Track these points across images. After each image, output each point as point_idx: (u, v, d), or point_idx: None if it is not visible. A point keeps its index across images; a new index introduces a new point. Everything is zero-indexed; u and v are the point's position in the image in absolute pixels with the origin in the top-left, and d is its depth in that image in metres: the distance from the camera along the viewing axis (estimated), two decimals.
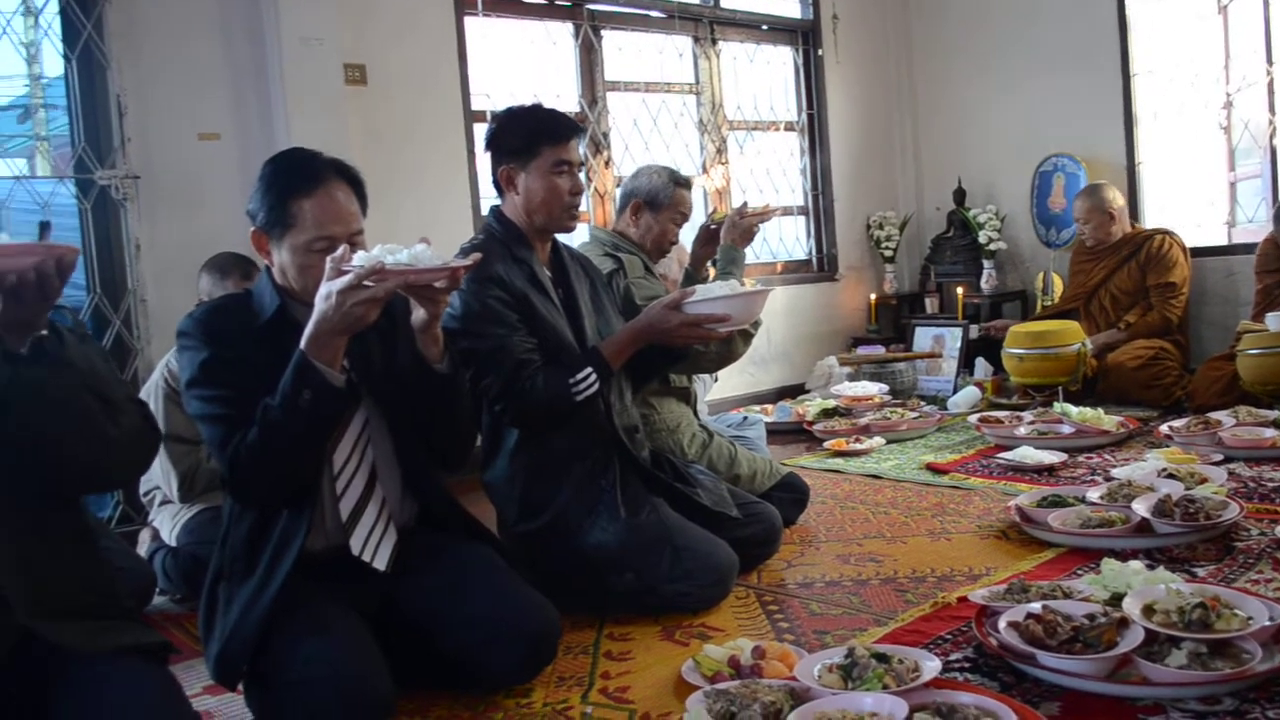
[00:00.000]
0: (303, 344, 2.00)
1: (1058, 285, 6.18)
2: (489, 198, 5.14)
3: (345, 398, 2.06)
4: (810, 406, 5.42)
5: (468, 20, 5.12)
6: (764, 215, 3.45)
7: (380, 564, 2.21)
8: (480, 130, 5.12)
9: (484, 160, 5.01)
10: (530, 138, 2.70)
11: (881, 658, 2.03)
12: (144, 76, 4.10)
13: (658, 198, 3.47)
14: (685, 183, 3.56)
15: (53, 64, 4.22)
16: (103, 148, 4.04)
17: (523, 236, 2.73)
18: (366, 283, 1.94)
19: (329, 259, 1.99)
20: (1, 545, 1.81)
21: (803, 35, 6.74)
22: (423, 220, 4.50)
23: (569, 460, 2.69)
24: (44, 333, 1.71)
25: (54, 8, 4.02)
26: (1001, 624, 2.20)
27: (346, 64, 4.48)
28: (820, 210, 6.85)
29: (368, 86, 4.61)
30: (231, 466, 2.09)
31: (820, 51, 6.70)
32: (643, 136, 5.96)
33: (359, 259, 1.96)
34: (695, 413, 3.59)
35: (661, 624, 2.60)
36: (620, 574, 2.62)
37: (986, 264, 6.59)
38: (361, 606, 2.18)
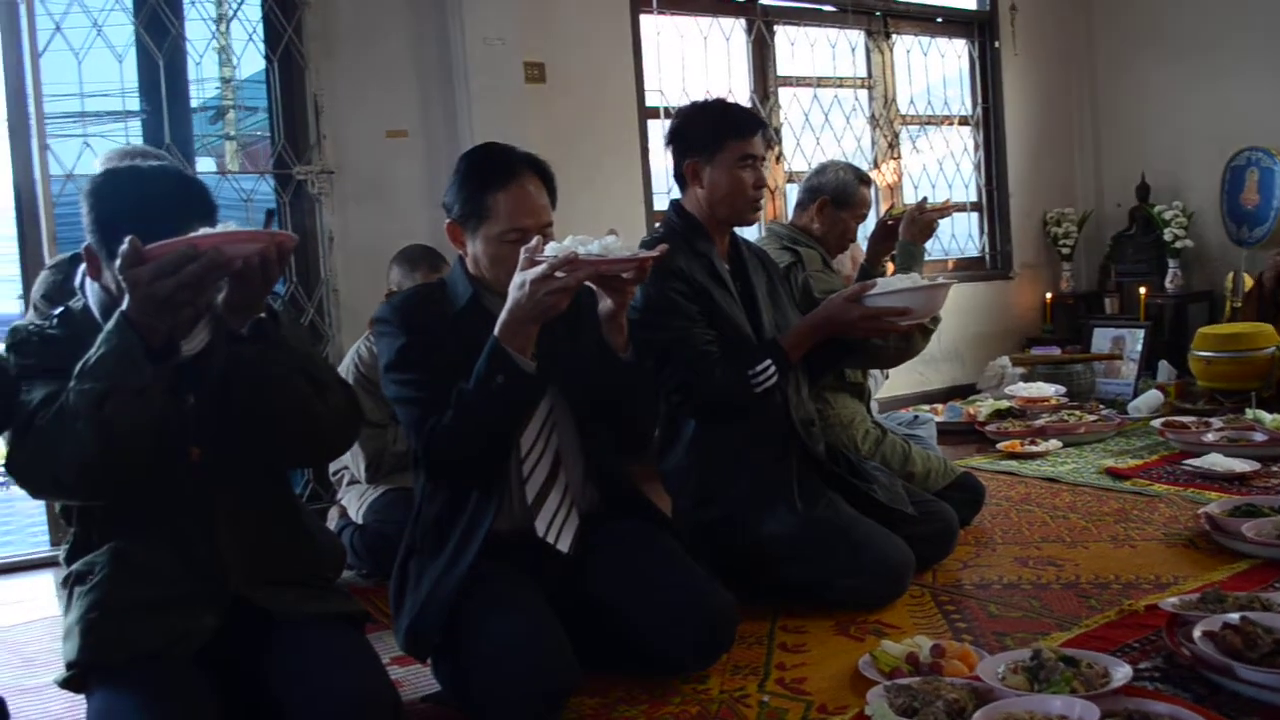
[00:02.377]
0: (496, 331, 2.07)
1: (1249, 286, 5.88)
2: (661, 193, 5.22)
3: (536, 383, 2.12)
4: (982, 407, 5.30)
5: (642, 18, 5.19)
6: (944, 211, 3.40)
7: (563, 546, 2.27)
8: (654, 127, 5.20)
9: (657, 156, 5.15)
10: (716, 131, 2.73)
11: (1069, 661, 1.98)
12: (338, 77, 4.32)
13: (844, 194, 3.47)
14: (867, 180, 3.56)
15: (243, 67, 4.48)
16: (300, 145, 4.26)
17: (703, 230, 2.76)
18: (558, 273, 1.99)
19: (523, 249, 2.05)
20: (219, 517, 1.95)
21: (979, 27, 6.59)
22: (597, 215, 4.59)
23: (746, 451, 2.71)
24: (263, 315, 1.83)
25: (257, 13, 4.26)
26: (1196, 634, 2.13)
27: (526, 62, 4.60)
28: (994, 206, 6.68)
29: (546, 84, 4.72)
30: (427, 447, 2.18)
31: (997, 43, 6.53)
32: (814, 132, 5.93)
33: (551, 249, 2.02)
34: (868, 409, 3.57)
35: (835, 618, 2.60)
36: (795, 567, 2.63)
37: (1171, 263, 6.32)
38: (545, 587, 2.24)
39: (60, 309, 1.95)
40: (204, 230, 1.66)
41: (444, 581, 2.17)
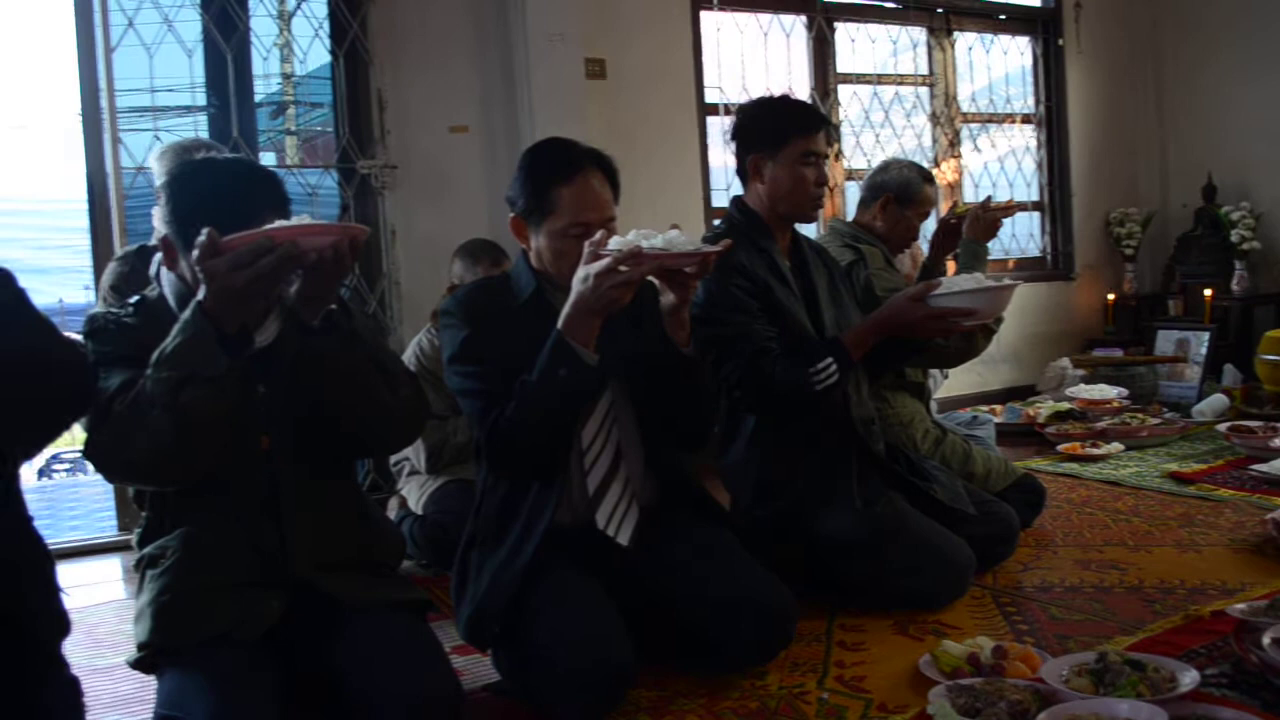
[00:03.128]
0: (560, 323, 2.09)
1: None
2: (719, 189, 5.23)
3: (598, 376, 2.13)
4: (1042, 408, 5.24)
5: (703, 14, 5.19)
6: (1008, 210, 3.37)
7: (623, 539, 2.28)
8: (713, 124, 5.20)
9: (715, 153, 5.15)
10: (780, 127, 2.73)
11: (1136, 665, 1.96)
12: (402, 72, 4.37)
13: (908, 192, 3.45)
14: (931, 178, 3.54)
15: (305, 62, 4.54)
16: (364, 139, 4.32)
17: (765, 226, 2.76)
18: (622, 266, 2.00)
19: (587, 243, 2.06)
20: (286, 504, 1.98)
21: (1042, 24, 6.51)
22: (655, 212, 4.60)
23: (806, 448, 2.70)
24: (334, 307, 1.85)
25: (323, 9, 4.32)
26: (1265, 640, 2.09)
27: (587, 59, 4.62)
28: (1056, 206, 6.60)
29: (607, 80, 4.74)
30: (490, 438, 2.20)
31: (1061, 40, 6.44)
32: (874, 129, 5.90)
33: (615, 243, 2.03)
34: (928, 409, 3.54)
35: (894, 617, 2.58)
36: (854, 565, 2.62)
37: (1238, 265, 6.20)
38: (605, 580, 2.25)
39: (137, 298, 1.99)
40: (279, 222, 1.69)
41: (505, 572, 2.19)
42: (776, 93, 2.98)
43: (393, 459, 3.62)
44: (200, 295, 1.71)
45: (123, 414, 1.74)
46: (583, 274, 2.05)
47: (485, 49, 4.55)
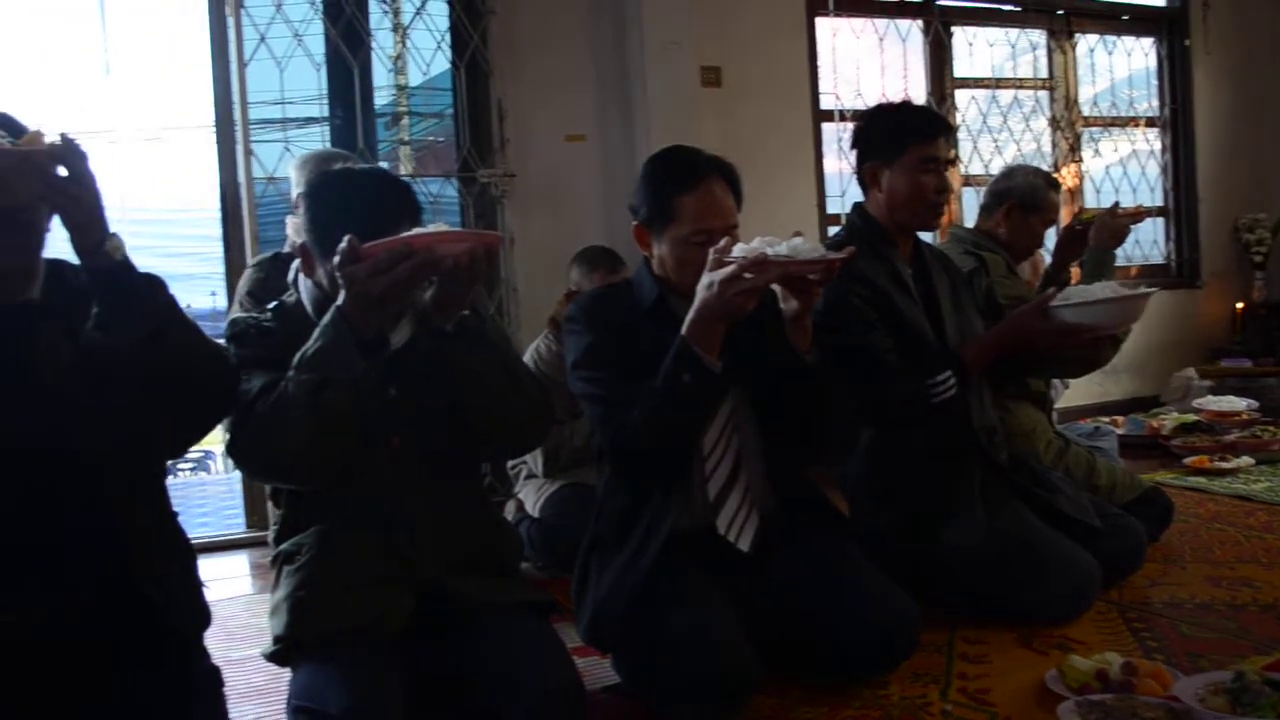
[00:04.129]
0: (684, 330, 2.10)
1: None
2: (834, 197, 5.20)
3: (722, 382, 2.14)
4: (1166, 420, 5.09)
5: (818, 20, 5.17)
6: (1137, 216, 3.29)
7: (744, 545, 2.28)
8: (828, 131, 5.17)
9: (831, 160, 5.12)
10: (897, 134, 2.70)
11: (1275, 685, 1.89)
12: (521, 82, 4.45)
13: (1033, 198, 3.38)
14: (1056, 184, 3.48)
15: (418, 73, 4.64)
16: (483, 148, 4.40)
17: (885, 234, 2.74)
18: (746, 274, 2.01)
19: (711, 250, 2.07)
20: (416, 504, 2.03)
21: (1167, 24, 6.33)
22: (770, 220, 4.55)
23: (927, 459, 2.67)
24: (466, 312, 1.90)
25: (444, 22, 4.42)
26: None
27: (703, 67, 4.64)
28: (1182, 211, 6.39)
29: (722, 88, 4.75)
30: (614, 442, 2.23)
31: (1187, 41, 6.25)
32: (992, 135, 5.80)
33: (739, 251, 2.04)
34: (1050, 419, 3.47)
35: (1017, 631, 2.53)
36: (976, 577, 2.58)
37: None
38: (726, 585, 2.26)
39: (275, 303, 2.07)
40: (417, 230, 1.75)
41: (626, 576, 2.21)
42: (893, 99, 2.95)
43: (510, 462, 3.68)
44: (339, 300, 1.77)
45: (265, 414, 1.81)
46: (707, 281, 2.06)
47: (602, 58, 4.61)
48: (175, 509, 1.96)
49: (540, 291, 4.19)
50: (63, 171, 1.58)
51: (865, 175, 2.77)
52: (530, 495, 3.53)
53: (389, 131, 4.99)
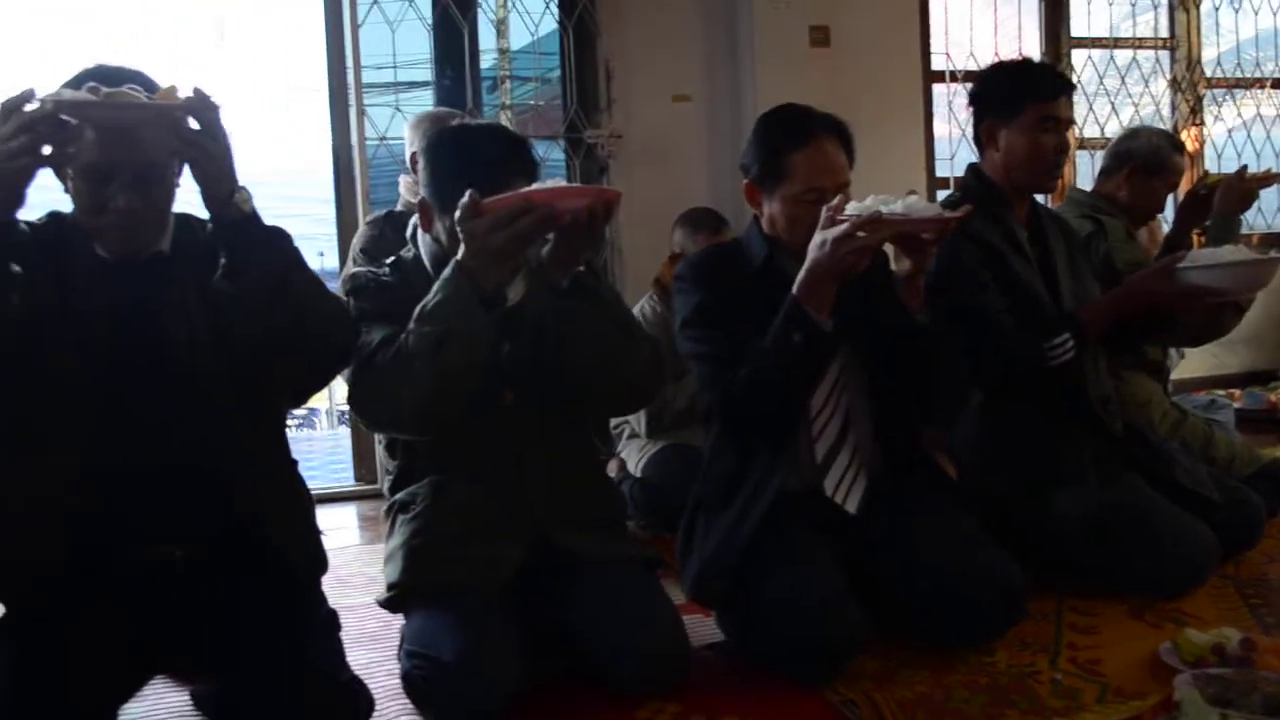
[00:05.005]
0: (795, 289, 2.09)
1: None
2: (943, 159, 5.10)
3: (833, 342, 2.13)
4: None
5: None
6: (1266, 180, 3.16)
7: (851, 507, 2.27)
8: (939, 92, 5.07)
9: (940, 122, 5.02)
10: (1016, 93, 2.63)
11: None
12: (627, 42, 4.45)
13: (1156, 161, 3.28)
14: (1181, 147, 3.37)
15: (518, 38, 4.67)
16: (589, 109, 4.42)
17: (1001, 195, 2.68)
18: (860, 232, 1.99)
19: (824, 208, 2.06)
20: (526, 458, 2.06)
21: None
22: (877, 181, 4.49)
23: (1039, 425, 2.61)
24: (581, 269, 1.92)
25: None
26: None
27: (811, 26, 4.57)
28: None
29: (831, 48, 4.67)
30: (723, 402, 2.23)
31: None
32: (1109, 97, 5.61)
33: (852, 209, 2.02)
34: (1165, 390, 3.37)
35: (1128, 603, 2.48)
36: (1088, 548, 2.52)
37: None
38: (832, 546, 2.25)
39: (393, 259, 2.11)
40: (536, 185, 1.76)
41: (733, 535, 2.21)
42: (1007, 59, 2.88)
43: (613, 421, 3.71)
44: (459, 255, 1.80)
45: (385, 367, 1.85)
46: (819, 239, 2.04)
47: (709, 18, 4.58)
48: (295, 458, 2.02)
49: (645, 253, 4.19)
50: (195, 125, 1.62)
51: (982, 134, 2.71)
52: (633, 455, 3.55)
53: (490, 95, 5.04)
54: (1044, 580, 2.55)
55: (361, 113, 4.02)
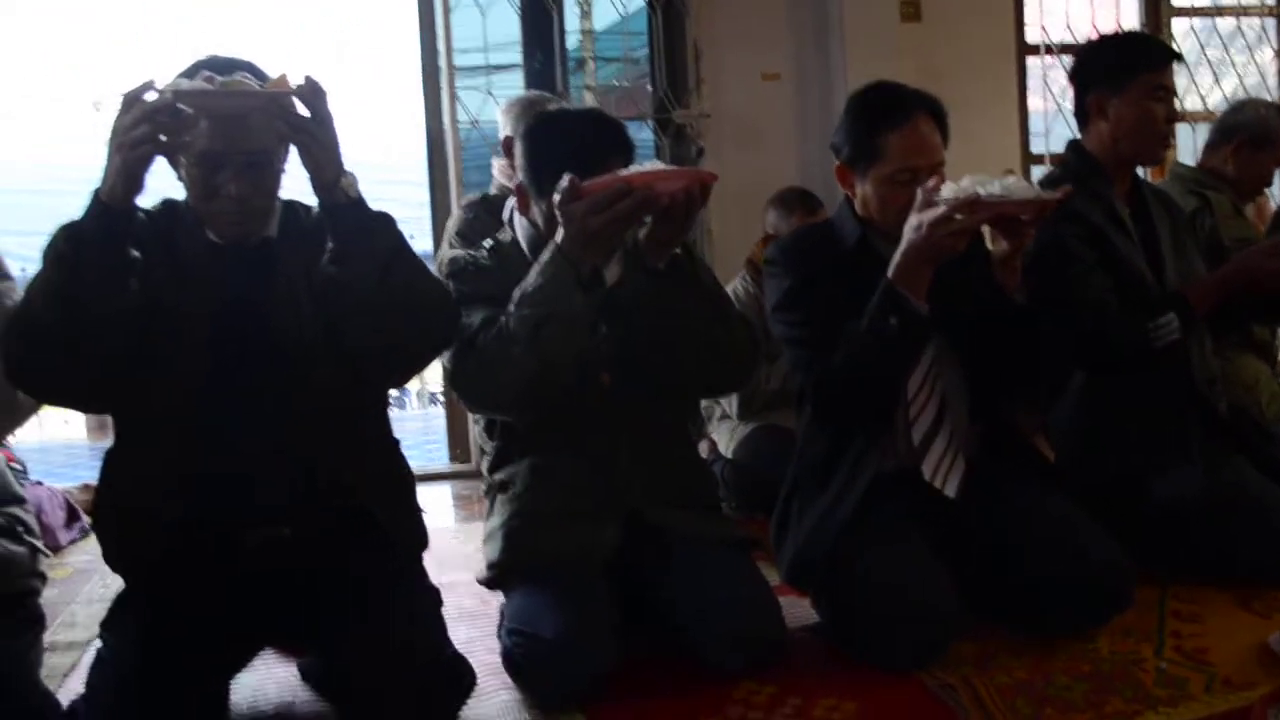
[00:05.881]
0: (890, 272, 2.07)
1: None
2: (1038, 134, 5.00)
3: (929, 326, 2.10)
4: None
5: None
6: None
7: (950, 491, 2.24)
8: (1033, 65, 4.96)
9: (1035, 97, 4.91)
10: (1126, 62, 2.57)
11: None
12: (716, 21, 4.43)
13: (1265, 133, 3.19)
14: None
15: (600, 19, 4.66)
16: (678, 89, 4.42)
17: (1102, 170, 2.62)
18: (957, 214, 1.96)
19: (920, 190, 2.03)
20: (623, 439, 2.08)
21: None
22: (971, 161, 4.42)
23: (1141, 408, 2.55)
24: (678, 251, 1.92)
25: None
26: None
27: (902, 1, 4.51)
28: None
29: (922, 23, 4.61)
30: (816, 386, 2.22)
31: None
32: (1211, 67, 5.44)
33: (949, 190, 1.99)
34: (1274, 371, 3.28)
35: (1234, 591, 2.41)
36: (1192, 533, 2.46)
37: None
38: (929, 530, 2.23)
39: (491, 242, 2.14)
40: (634, 168, 1.78)
41: (829, 519, 2.20)
42: (1104, 30, 2.81)
43: (704, 402, 3.72)
44: (558, 238, 1.82)
45: (486, 348, 1.89)
46: (915, 221, 2.02)
47: None
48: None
49: (735, 234, 4.19)
50: (304, 112, 1.66)
51: (1089, 106, 2.64)
52: (724, 436, 3.56)
53: (574, 77, 5.06)
54: (1146, 566, 2.50)
55: (454, 97, 4.07)
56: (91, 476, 4.80)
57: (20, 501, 2.01)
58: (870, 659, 2.11)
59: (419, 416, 9.44)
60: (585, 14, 4.75)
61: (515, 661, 1.98)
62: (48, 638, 2.02)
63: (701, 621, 1.97)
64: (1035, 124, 5.00)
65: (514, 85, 4.52)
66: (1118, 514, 2.49)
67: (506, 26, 4.51)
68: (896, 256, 2.06)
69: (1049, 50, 4.99)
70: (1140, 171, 2.84)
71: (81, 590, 2.97)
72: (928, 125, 2.24)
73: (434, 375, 2.78)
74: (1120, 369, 2.55)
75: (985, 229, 2.14)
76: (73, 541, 3.54)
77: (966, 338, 2.27)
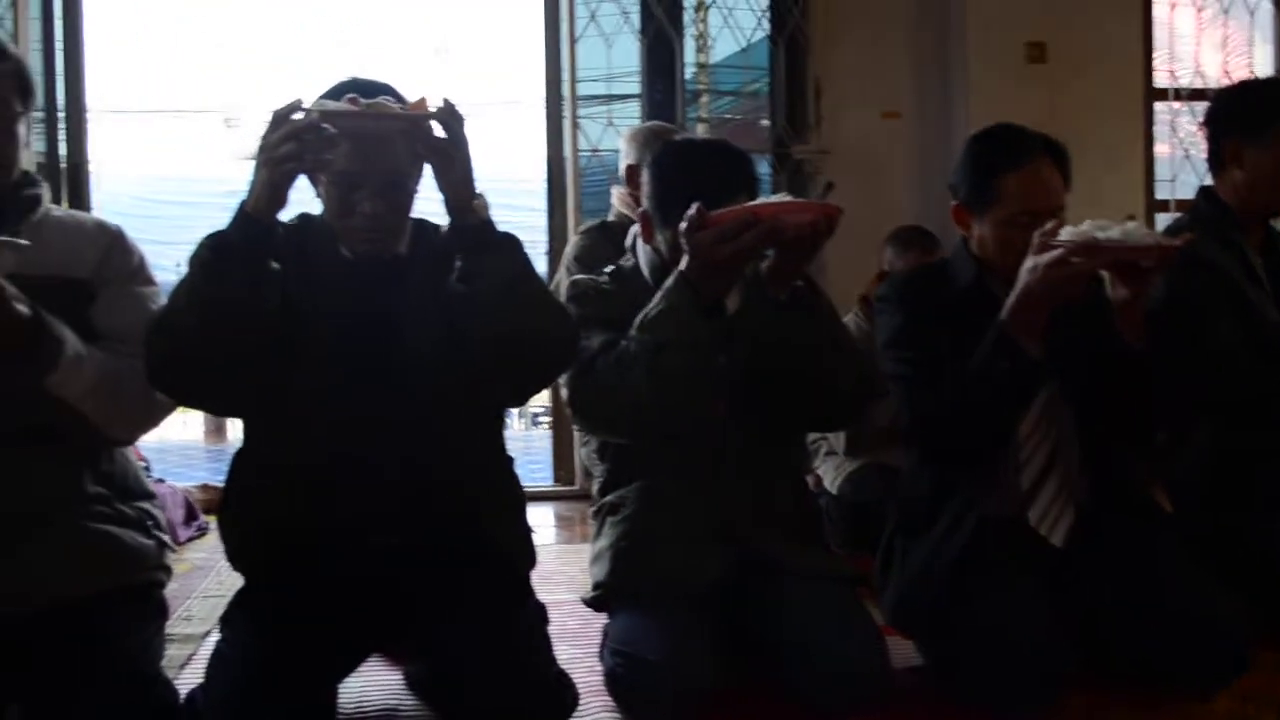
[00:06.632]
0: (1004, 314, 2.05)
1: None
2: (1163, 181, 4.89)
3: (1041, 371, 2.08)
4: None
5: None
6: None
7: (1057, 539, 2.19)
8: (1161, 110, 4.87)
9: (1162, 143, 4.82)
10: (1266, 111, 2.51)
11: None
12: (837, 58, 4.46)
13: None
14: None
15: (718, 51, 4.69)
16: (796, 124, 4.43)
17: (1235, 219, 2.55)
18: (1074, 258, 1.94)
19: (1037, 233, 2.01)
20: (735, 468, 2.09)
21: None
22: (1094, 204, 4.33)
23: (1270, 458, 2.47)
24: (800, 283, 1.94)
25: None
26: None
27: (1028, 42, 4.48)
28: None
29: (1047, 64, 4.56)
30: (923, 426, 2.20)
31: None
32: None
33: (1067, 233, 1.97)
34: None
35: None
36: None
37: None
38: (1037, 578, 2.18)
39: (612, 267, 2.18)
40: (761, 199, 1.80)
41: (935, 561, 2.17)
42: (1237, 76, 2.75)
43: (810, 436, 3.70)
44: (682, 265, 1.85)
45: (605, 372, 1.92)
46: (1031, 264, 2.00)
47: (921, 32, 4.55)
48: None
49: (849, 269, 4.17)
50: (441, 134, 1.72)
51: (1224, 153, 2.59)
52: (829, 472, 3.54)
53: (689, 108, 5.11)
54: (1273, 626, 2.42)
55: (575, 125, 4.15)
56: (206, 477, 5.00)
57: (151, 497, 2.09)
58: (977, 706, 2.07)
59: (521, 437, 9.55)
60: (701, 47, 4.80)
61: (618, 682, 2.00)
62: (167, 629, 2.10)
63: (805, 658, 1.96)
64: (1161, 170, 4.90)
65: (633, 114, 4.59)
66: (1237, 571, 2.42)
67: (626, 56, 4.59)
68: (1011, 299, 2.04)
69: (1178, 95, 4.89)
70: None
71: (199, 585, 3.08)
72: (1048, 168, 2.22)
73: (538, 397, 2.81)
74: (1248, 421, 2.48)
75: (1106, 275, 2.11)
76: (190, 539, 3.68)
77: (1081, 384, 2.23)
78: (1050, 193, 2.20)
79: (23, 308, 1.66)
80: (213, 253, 1.70)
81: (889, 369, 2.30)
